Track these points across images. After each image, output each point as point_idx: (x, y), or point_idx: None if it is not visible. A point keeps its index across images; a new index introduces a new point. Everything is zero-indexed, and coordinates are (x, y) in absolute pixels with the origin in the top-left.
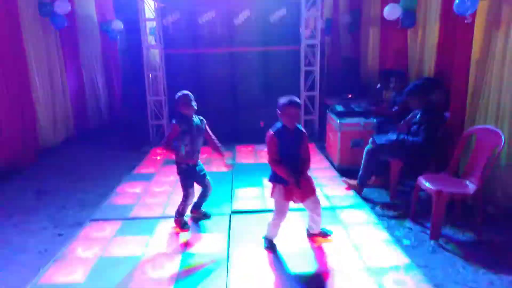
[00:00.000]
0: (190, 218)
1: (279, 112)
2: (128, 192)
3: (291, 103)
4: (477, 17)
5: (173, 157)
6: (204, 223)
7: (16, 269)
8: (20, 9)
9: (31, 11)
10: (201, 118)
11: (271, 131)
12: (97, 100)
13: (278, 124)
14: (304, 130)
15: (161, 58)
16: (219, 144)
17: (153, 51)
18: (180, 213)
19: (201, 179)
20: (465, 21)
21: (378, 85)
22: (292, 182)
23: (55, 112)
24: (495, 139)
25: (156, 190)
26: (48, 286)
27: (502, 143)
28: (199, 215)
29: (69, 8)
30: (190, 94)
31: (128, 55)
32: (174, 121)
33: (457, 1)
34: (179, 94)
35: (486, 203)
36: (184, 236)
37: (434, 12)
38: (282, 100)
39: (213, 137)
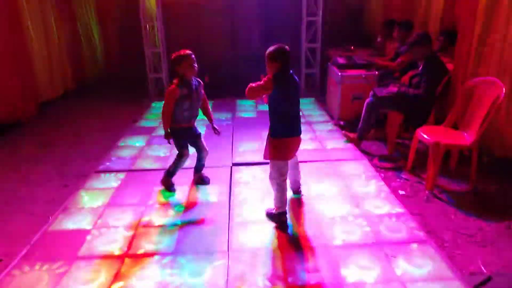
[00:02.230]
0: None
1: None
2: (131, 145)
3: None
4: None
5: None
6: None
7: (25, 218)
8: None
9: None
10: (199, 80)
11: None
12: (93, 51)
13: None
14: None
15: (157, 6)
16: (210, 110)
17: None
18: (169, 173)
19: (195, 141)
20: None
21: (379, 39)
22: None
23: (52, 64)
24: (495, 90)
25: (158, 143)
26: (58, 232)
27: (503, 94)
28: (198, 179)
29: None
30: (192, 54)
31: (123, 4)
32: (174, 86)
33: None
34: (181, 53)
35: (483, 154)
36: (188, 188)
37: None
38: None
39: (207, 101)
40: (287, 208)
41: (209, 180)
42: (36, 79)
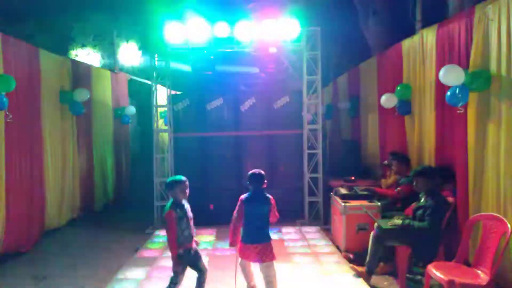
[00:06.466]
0: None
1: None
2: (129, 279)
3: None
4: (469, 108)
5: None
6: None
7: None
8: (42, 96)
9: (52, 98)
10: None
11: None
12: (105, 181)
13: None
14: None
15: (170, 141)
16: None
17: (162, 134)
18: None
19: (196, 263)
20: (458, 112)
21: (385, 162)
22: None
23: (63, 194)
24: (501, 227)
25: (158, 275)
26: None
27: (510, 231)
28: None
29: (88, 96)
30: (187, 181)
31: (138, 137)
32: (168, 209)
33: (448, 94)
34: (179, 178)
35: None
36: None
37: (429, 101)
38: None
39: (191, 221)
40: None
41: None
42: (45, 209)
